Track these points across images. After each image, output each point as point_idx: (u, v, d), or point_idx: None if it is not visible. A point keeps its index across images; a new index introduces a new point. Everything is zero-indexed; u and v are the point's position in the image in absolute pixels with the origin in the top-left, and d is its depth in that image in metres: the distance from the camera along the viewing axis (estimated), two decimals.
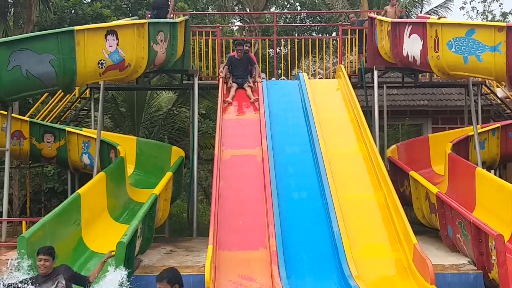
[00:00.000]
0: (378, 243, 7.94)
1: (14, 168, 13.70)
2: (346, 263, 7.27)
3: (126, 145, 11.59)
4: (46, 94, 13.50)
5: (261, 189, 8.75)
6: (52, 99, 14.08)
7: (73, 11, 19.70)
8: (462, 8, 31.42)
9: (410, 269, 7.32)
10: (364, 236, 7.98)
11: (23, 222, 9.74)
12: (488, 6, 30.71)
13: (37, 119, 13.44)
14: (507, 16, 30.14)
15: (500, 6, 30.73)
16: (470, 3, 31.39)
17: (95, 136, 11.17)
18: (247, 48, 12.86)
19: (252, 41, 14.20)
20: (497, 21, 28.46)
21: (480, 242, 7.58)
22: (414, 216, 10.46)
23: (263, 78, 12.38)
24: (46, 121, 13.42)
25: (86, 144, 12.17)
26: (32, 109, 14.34)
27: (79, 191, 8.19)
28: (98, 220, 8.49)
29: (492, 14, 30.53)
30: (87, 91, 13.46)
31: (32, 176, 14.97)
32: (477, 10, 31.18)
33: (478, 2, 31.12)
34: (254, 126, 10.57)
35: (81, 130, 12.78)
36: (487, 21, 29.01)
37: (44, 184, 15.00)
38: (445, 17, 13.56)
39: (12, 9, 16.94)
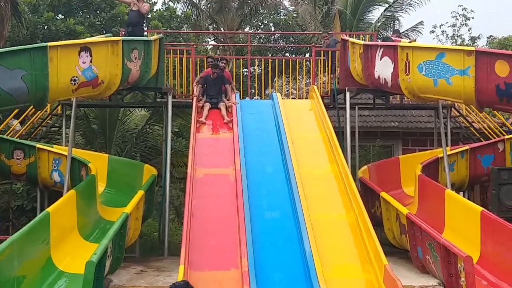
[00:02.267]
0: (349, 264, 7.96)
1: None
2: (318, 283, 7.26)
3: (98, 162, 11.45)
4: (16, 110, 13.30)
5: (233, 209, 8.72)
6: (23, 115, 13.88)
7: (46, 27, 19.55)
8: (432, 31, 32.03)
9: None
10: (336, 256, 8.00)
11: None
12: (458, 30, 31.39)
13: (7, 135, 13.22)
14: (475, 41, 30.84)
15: (469, 30, 31.26)
16: (440, 27, 31.96)
17: (66, 153, 11.03)
18: (223, 65, 12.86)
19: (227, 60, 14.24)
20: (466, 45, 29.08)
21: (449, 264, 7.65)
22: (385, 237, 10.51)
23: (236, 92, 12.40)
24: (16, 138, 13.20)
25: (57, 161, 12.00)
26: (2, 125, 14.11)
27: (49, 209, 8.04)
28: (68, 239, 8.34)
29: (461, 38, 31.19)
30: (59, 107, 13.30)
31: (1, 194, 14.67)
32: (447, 34, 31.82)
33: (448, 27, 31.66)
34: (227, 145, 10.56)
35: (52, 147, 12.60)
36: (456, 45, 29.63)
37: (13, 201, 14.70)
38: (415, 40, 13.79)
39: None
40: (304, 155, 10.24)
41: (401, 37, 13.46)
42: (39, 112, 13.47)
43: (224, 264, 7.76)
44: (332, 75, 13.66)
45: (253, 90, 19.29)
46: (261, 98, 14.96)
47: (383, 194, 10.38)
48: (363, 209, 8.53)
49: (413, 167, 11.18)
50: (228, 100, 12.04)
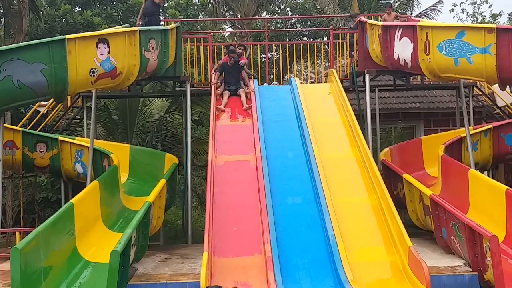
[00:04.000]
0: (373, 247, 7.94)
1: (7, 178, 13.63)
2: (342, 267, 7.26)
3: (119, 153, 11.54)
4: (38, 104, 13.46)
5: (255, 195, 8.74)
6: (45, 108, 14.03)
7: (63, 20, 19.67)
8: (452, 10, 31.59)
9: (405, 271, 7.32)
10: (359, 239, 7.98)
11: (17, 233, 9.69)
12: (478, 8, 30.88)
13: (29, 129, 13.38)
14: (496, 18, 30.31)
15: (489, 8, 30.88)
16: (460, 5, 31.46)
17: (88, 145, 11.13)
18: (240, 51, 12.80)
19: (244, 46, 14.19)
20: (487, 23, 28.64)
21: (475, 244, 7.59)
22: (409, 219, 10.47)
23: (255, 78, 12.35)
24: (38, 131, 13.36)
25: (79, 153, 12.13)
26: (24, 119, 14.29)
27: (73, 200, 8.14)
28: (92, 229, 8.45)
29: (482, 16, 30.69)
30: (79, 99, 13.42)
31: (25, 186, 14.90)
32: (467, 12, 31.45)
33: (468, 4, 31.22)
34: (247, 132, 10.56)
35: (74, 139, 12.73)
36: (477, 23, 29.18)
37: (38, 193, 14.94)
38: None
39: (3, 19, 16.92)
40: (324, 139, 10.20)
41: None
42: (60, 105, 13.60)
43: (247, 250, 7.79)
44: (351, 58, 13.53)
45: (271, 76, 19.20)
46: (279, 84, 14.89)
47: (406, 175, 10.31)
48: (385, 192, 8.49)
49: (436, 147, 11.07)
50: (247, 86, 12.01)
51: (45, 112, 14.22)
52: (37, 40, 8.68)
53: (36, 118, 14.09)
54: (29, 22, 17.65)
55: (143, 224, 8.52)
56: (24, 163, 12.65)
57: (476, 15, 30.76)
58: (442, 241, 8.96)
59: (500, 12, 30.75)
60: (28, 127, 13.51)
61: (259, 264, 7.45)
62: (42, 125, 13.78)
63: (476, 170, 10.27)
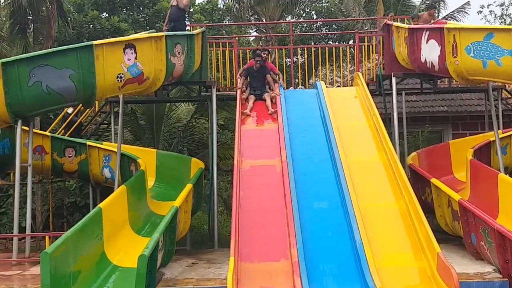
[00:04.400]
0: (401, 252, 7.85)
1: (36, 183, 13.85)
2: (369, 273, 7.19)
3: (146, 158, 11.61)
4: (66, 109, 13.63)
5: (281, 199, 8.71)
6: (73, 114, 14.21)
7: (91, 25, 19.94)
8: (480, 12, 31.11)
9: (434, 278, 7.21)
10: (387, 245, 7.89)
11: (46, 237, 9.80)
12: (506, 10, 30.40)
13: (58, 134, 13.57)
14: None
15: None
16: (488, 7, 31.10)
17: (115, 150, 11.24)
18: (265, 56, 12.81)
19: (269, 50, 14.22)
20: None
21: (505, 250, 7.46)
22: (437, 224, 10.33)
23: (280, 84, 12.35)
24: (67, 136, 13.54)
25: (107, 158, 12.24)
26: (53, 124, 14.49)
27: (101, 205, 8.21)
28: (120, 233, 8.51)
29: (510, 17, 30.20)
30: (107, 105, 13.56)
31: (54, 191, 15.10)
32: (495, 14, 30.86)
33: (496, 6, 30.69)
34: (272, 136, 10.54)
35: (102, 144, 12.86)
36: (505, 24, 28.74)
37: (66, 198, 15.13)
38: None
39: (32, 25, 17.19)
40: (351, 143, 10.13)
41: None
42: (88, 110, 13.77)
43: (274, 255, 7.76)
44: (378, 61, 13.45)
45: (296, 80, 19.17)
46: (305, 88, 14.87)
47: (434, 180, 10.18)
48: (413, 197, 8.39)
49: (464, 151, 10.91)
50: (272, 91, 12.01)
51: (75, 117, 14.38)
52: (65, 46, 8.82)
53: (67, 121, 14.23)
54: (58, 28, 17.92)
55: (170, 228, 8.55)
56: (53, 168, 12.82)
57: (505, 16, 30.29)
58: (471, 247, 8.82)
59: None
60: (67, 134, 13.65)
61: (286, 270, 7.41)
62: (71, 130, 13.94)
63: (506, 174, 10.10)
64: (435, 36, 10.04)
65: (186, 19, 15.28)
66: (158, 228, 7.90)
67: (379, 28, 13.60)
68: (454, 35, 9.38)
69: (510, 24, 28.27)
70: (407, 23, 13.08)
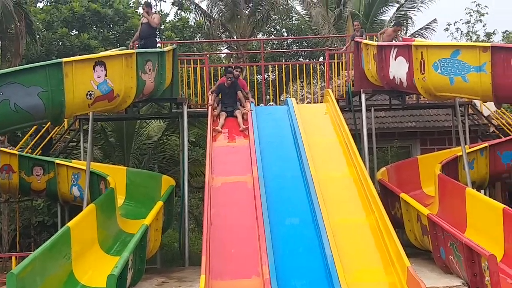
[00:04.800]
0: (372, 267, 7.90)
1: (3, 202, 13.59)
2: None
3: (116, 175, 11.51)
4: (35, 127, 13.45)
5: (252, 216, 8.71)
6: (41, 132, 14.03)
7: (60, 43, 19.77)
8: (447, 29, 31.76)
9: None
10: (358, 260, 7.94)
11: (13, 258, 9.63)
12: (472, 27, 31.09)
13: (26, 152, 13.36)
14: (491, 37, 30.49)
15: (483, 26, 31.04)
16: (454, 24, 31.68)
17: (84, 168, 11.10)
18: (237, 73, 12.87)
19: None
20: (482, 41, 28.79)
21: (473, 263, 7.56)
22: (407, 239, 10.43)
23: (251, 101, 12.41)
24: (35, 154, 13.34)
25: (76, 176, 12.09)
26: (21, 142, 14.27)
27: (69, 224, 8.09)
28: (89, 253, 8.38)
29: (476, 34, 30.88)
30: (76, 122, 13.42)
31: (22, 210, 14.81)
32: (461, 31, 31.53)
33: (462, 23, 31.35)
34: (244, 153, 10.56)
35: (71, 162, 12.70)
36: (471, 41, 29.36)
37: (34, 218, 14.84)
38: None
39: (0, 42, 16.98)
40: (321, 159, 10.21)
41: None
42: (56, 128, 13.60)
43: (245, 272, 7.75)
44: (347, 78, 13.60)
45: (267, 96, 19.30)
46: (276, 104, 14.95)
47: (403, 195, 10.30)
48: (383, 212, 8.47)
49: (432, 166, 11.08)
50: (243, 107, 12.04)
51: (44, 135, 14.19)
52: (34, 64, 8.70)
53: (33, 142, 14.05)
54: (26, 46, 17.73)
55: (140, 247, 8.47)
56: (21, 187, 12.60)
57: (471, 34, 30.97)
58: (440, 261, 8.92)
59: (494, 31, 30.94)
60: (25, 151, 13.45)
61: (257, 287, 7.40)
62: (39, 149, 13.74)
63: (473, 188, 10.27)
64: (403, 53, 10.20)
65: (157, 36, 15.28)
66: (128, 247, 7.82)
67: (348, 44, 13.76)
68: (421, 52, 9.54)
69: (476, 41, 28.90)
70: (376, 41, 13.27)
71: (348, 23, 23.08)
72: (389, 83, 11.05)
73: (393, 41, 12.31)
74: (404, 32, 25.03)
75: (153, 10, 12.34)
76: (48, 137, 13.97)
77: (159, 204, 10.29)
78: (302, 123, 11.31)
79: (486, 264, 7.12)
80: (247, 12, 25.75)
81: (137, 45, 12.09)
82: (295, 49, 25.44)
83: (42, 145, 13.81)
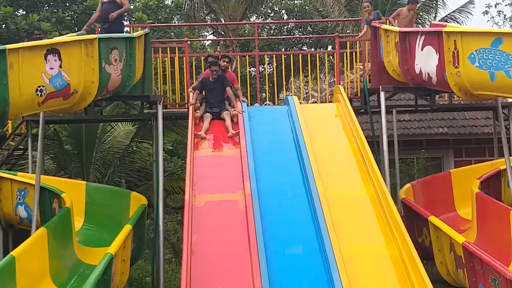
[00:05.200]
0: None
1: None
2: None
3: (73, 192, 11.51)
4: None
5: (244, 244, 8.70)
6: None
7: (3, 25, 19.73)
8: (486, 12, 31.98)
9: None
10: None
11: None
12: None
13: None
14: None
15: None
16: (496, 7, 31.87)
17: (33, 182, 11.09)
18: (225, 64, 12.85)
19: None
20: None
21: None
22: (437, 273, 10.45)
23: (243, 100, 12.42)
24: None
25: (22, 193, 12.07)
26: None
27: (13, 253, 8.08)
28: None
29: None
30: (23, 125, 13.40)
31: None
32: (504, 15, 31.73)
33: (505, 5, 31.54)
34: (233, 165, 10.57)
35: (16, 175, 12.68)
36: None
37: None
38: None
39: None
40: (330, 173, 10.23)
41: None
42: None
43: None
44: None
45: (263, 94, 19.36)
46: (273, 104, 15.03)
47: (432, 218, 10.32)
48: (407, 239, 8.48)
49: (469, 183, 11.12)
50: (233, 108, 12.06)
51: None
52: None
53: None
54: None
55: (102, 282, 8.45)
56: None
57: None
58: None
59: None
60: None
61: None
62: None
63: None
64: (432, 42, 10.25)
65: (125, 18, 15.30)
66: (88, 282, 7.81)
67: (364, 31, 13.80)
68: (455, 41, 9.58)
69: None
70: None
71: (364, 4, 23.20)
72: (414, 79, 11.10)
73: (414, 26, 12.39)
74: (434, 15, 25.23)
75: None
76: None
77: (127, 228, 10.29)
78: (306, 127, 11.34)
79: None
80: None
81: (99, 30, 12.11)
82: (297, 36, 25.53)
83: None
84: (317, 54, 15.48)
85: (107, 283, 8.78)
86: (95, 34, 11.64)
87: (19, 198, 12.14)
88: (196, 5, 25.38)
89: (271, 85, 19.23)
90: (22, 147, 14.29)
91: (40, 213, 11.00)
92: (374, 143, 12.59)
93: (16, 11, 20.54)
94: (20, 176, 12.57)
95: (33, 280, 8.33)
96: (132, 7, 20.69)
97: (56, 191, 11.11)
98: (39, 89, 8.72)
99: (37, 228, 9.95)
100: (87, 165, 15.71)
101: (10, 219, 12.48)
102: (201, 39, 26.01)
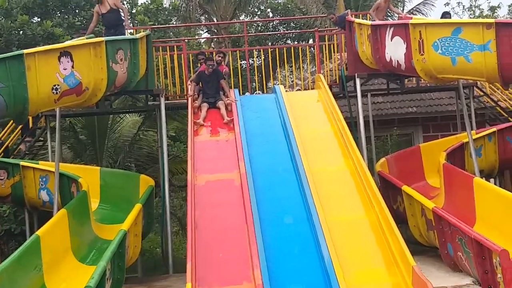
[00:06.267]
0: (374, 268, 7.95)
1: None
2: None
3: (89, 177, 11.48)
4: None
5: (241, 216, 8.73)
6: (3, 131, 13.93)
7: (21, 32, 19.57)
8: (447, 4, 31.92)
9: None
10: (358, 261, 7.98)
11: None
12: (475, 1, 31.30)
13: None
14: (495, 11, 30.70)
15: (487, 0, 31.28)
16: None
17: (53, 170, 11.06)
18: (220, 58, 12.82)
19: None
20: (485, 16, 29.00)
21: (484, 259, 7.63)
22: (411, 235, 10.51)
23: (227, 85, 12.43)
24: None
25: (44, 179, 12.04)
26: None
27: (38, 232, 8.06)
28: (62, 263, 8.36)
29: (479, 9, 31.09)
30: (42, 119, 13.35)
31: None
32: (463, 6, 31.75)
33: None
34: (229, 147, 10.58)
35: (38, 164, 12.64)
36: (474, 17, 29.54)
37: (0, 226, 14.77)
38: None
39: None
40: (315, 151, 10.24)
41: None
42: (20, 126, 13.51)
43: (235, 278, 7.76)
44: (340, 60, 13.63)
45: (253, 84, 19.28)
46: (263, 92, 14.97)
47: (405, 188, 10.36)
48: (384, 207, 8.52)
49: (436, 155, 11.15)
50: (226, 97, 12.04)
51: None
52: None
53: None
54: None
55: (118, 255, 8.46)
56: None
57: (474, 8, 31.16)
58: (448, 258, 9.00)
59: (499, 4, 31.17)
60: None
61: None
62: (1, 150, 13.65)
63: (481, 178, 10.37)
64: (400, 33, 10.23)
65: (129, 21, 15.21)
66: (105, 255, 7.81)
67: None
68: (420, 31, 9.57)
69: (479, 17, 29.07)
70: (370, 19, 13.28)
71: (339, 2, 23.12)
72: (385, 66, 11.09)
73: (388, 15, 12.34)
74: (401, 9, 25.16)
75: None
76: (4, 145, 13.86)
77: (138, 206, 10.29)
78: (292, 112, 11.33)
79: (498, 260, 7.19)
80: None
81: (85, 33, 12.01)
82: (282, 32, 25.42)
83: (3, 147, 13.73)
84: (300, 47, 15.42)
85: (122, 255, 8.79)
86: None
87: (42, 184, 12.12)
88: (191, 7, 25.24)
89: (260, 75, 19.16)
90: (42, 138, 14.25)
91: (60, 196, 10.99)
92: (352, 124, 12.60)
93: (31, 18, 20.37)
94: (41, 165, 12.54)
95: (57, 255, 8.33)
96: (134, 11, 20.64)
97: (73, 177, 11.09)
98: (54, 87, 8.69)
99: (58, 209, 9.93)
100: (100, 152, 15.67)
101: (34, 202, 12.47)
102: (197, 37, 25.86)
